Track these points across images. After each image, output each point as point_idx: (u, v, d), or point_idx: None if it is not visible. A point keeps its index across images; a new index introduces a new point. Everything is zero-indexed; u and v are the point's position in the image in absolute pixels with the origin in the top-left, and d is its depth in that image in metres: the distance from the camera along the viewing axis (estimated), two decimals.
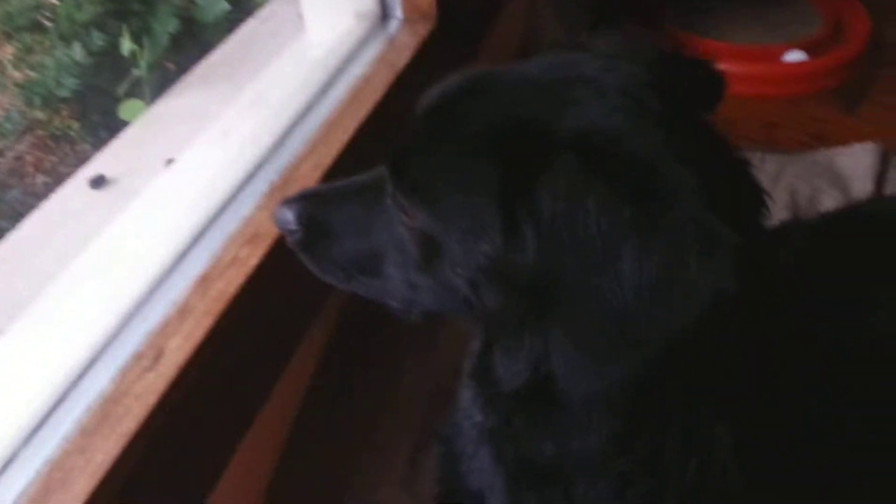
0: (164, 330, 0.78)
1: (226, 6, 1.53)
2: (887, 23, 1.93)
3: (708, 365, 0.62)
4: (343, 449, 1.08)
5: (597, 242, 0.52)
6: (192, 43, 1.63)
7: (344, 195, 0.73)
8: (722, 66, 1.79)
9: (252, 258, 0.84)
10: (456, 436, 0.81)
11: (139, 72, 1.45)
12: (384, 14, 1.26)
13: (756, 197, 0.66)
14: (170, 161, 1.13)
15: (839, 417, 0.71)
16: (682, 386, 0.63)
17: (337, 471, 1.08)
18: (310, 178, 0.95)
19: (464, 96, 0.64)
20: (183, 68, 1.46)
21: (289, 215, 0.71)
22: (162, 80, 1.60)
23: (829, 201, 1.35)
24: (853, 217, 1.03)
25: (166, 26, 1.54)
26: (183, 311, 0.79)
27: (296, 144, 1.01)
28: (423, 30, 1.23)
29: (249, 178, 0.97)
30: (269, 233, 0.87)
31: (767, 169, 1.45)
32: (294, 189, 0.92)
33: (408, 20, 1.25)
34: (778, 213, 1.33)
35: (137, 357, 0.76)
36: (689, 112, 0.64)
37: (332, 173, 0.95)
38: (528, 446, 0.69)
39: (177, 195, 0.99)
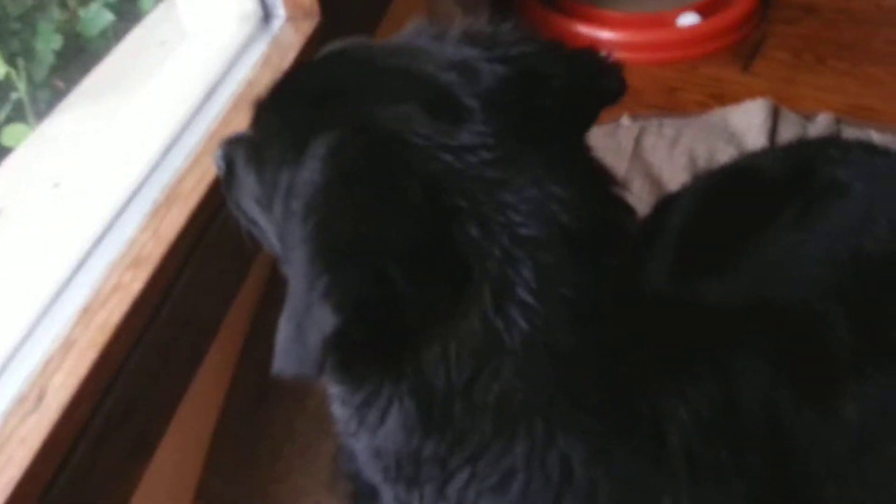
0: (47, 368, 0.76)
1: (110, 17, 1.48)
2: None
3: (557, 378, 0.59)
4: (266, 456, 1.07)
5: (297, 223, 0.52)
6: (79, 58, 1.57)
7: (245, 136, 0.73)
8: (618, 35, 1.81)
9: (135, 283, 0.82)
10: None
11: (19, 94, 1.40)
12: (266, 14, 1.24)
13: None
14: (57, 185, 1.10)
15: None
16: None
17: (262, 481, 1.07)
18: (194, 192, 0.93)
19: (317, 63, 0.67)
20: (72, 85, 1.42)
21: (218, 153, 0.73)
22: (51, 100, 1.55)
23: (726, 159, 1.37)
24: (729, 174, 1.06)
25: (49, 44, 1.49)
26: (65, 346, 0.77)
27: (179, 158, 0.99)
28: (308, 27, 1.21)
29: (133, 196, 0.95)
30: (154, 255, 0.85)
31: (666, 133, 1.47)
32: (176, 207, 0.90)
33: (290, 19, 1.23)
34: (680, 175, 1.38)
35: (19, 400, 0.74)
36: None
37: (216, 187, 0.93)
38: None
39: (61, 220, 0.96)
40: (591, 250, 0.57)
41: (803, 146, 1.10)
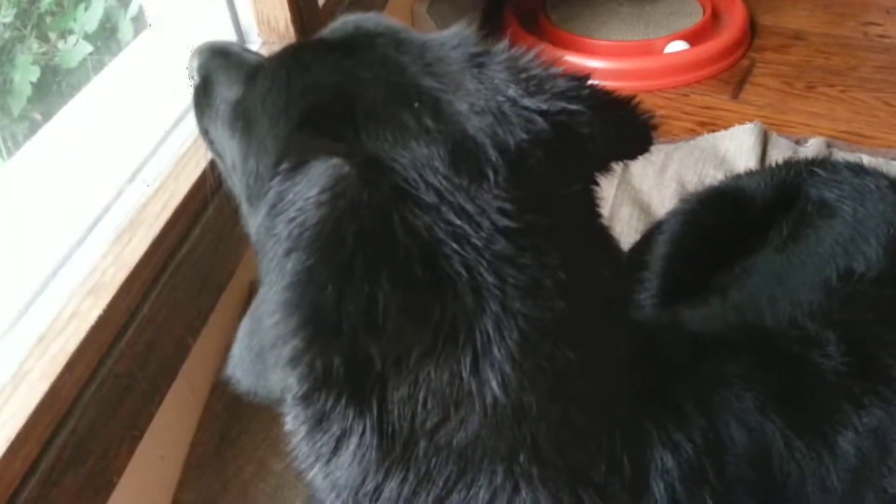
0: None
1: (88, 48, 1.46)
2: (761, 8, 1.97)
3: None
4: (236, 497, 1.03)
5: (280, 252, 0.48)
6: (57, 90, 1.56)
7: (235, 69, 0.67)
8: (607, 63, 1.80)
9: (93, 311, 0.79)
10: None
11: None
12: (241, 39, 1.22)
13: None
14: (26, 211, 1.07)
15: None
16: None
17: None
18: (159, 218, 0.90)
19: (326, 46, 0.61)
20: (49, 116, 1.40)
21: (194, 62, 0.69)
22: (28, 132, 1.52)
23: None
24: (714, 198, 1.03)
25: (27, 76, 1.47)
26: (17, 378, 0.73)
27: (145, 185, 0.96)
28: None
29: (96, 223, 0.92)
30: (114, 282, 0.82)
31: (654, 159, 1.45)
32: (140, 232, 0.87)
33: (266, 43, 1.21)
34: (669, 201, 1.35)
35: None
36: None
37: (182, 212, 0.90)
38: None
39: (23, 246, 0.93)
40: (581, 330, 0.55)
41: (789, 167, 1.07)
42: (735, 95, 1.74)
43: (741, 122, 1.57)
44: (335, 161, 0.49)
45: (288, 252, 0.46)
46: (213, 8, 1.20)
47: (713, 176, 1.39)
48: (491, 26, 1.88)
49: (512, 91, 0.55)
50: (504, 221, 0.51)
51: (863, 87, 1.73)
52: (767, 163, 1.39)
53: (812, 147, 1.44)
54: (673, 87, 1.77)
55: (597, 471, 0.59)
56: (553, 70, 0.58)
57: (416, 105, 0.54)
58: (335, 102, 0.55)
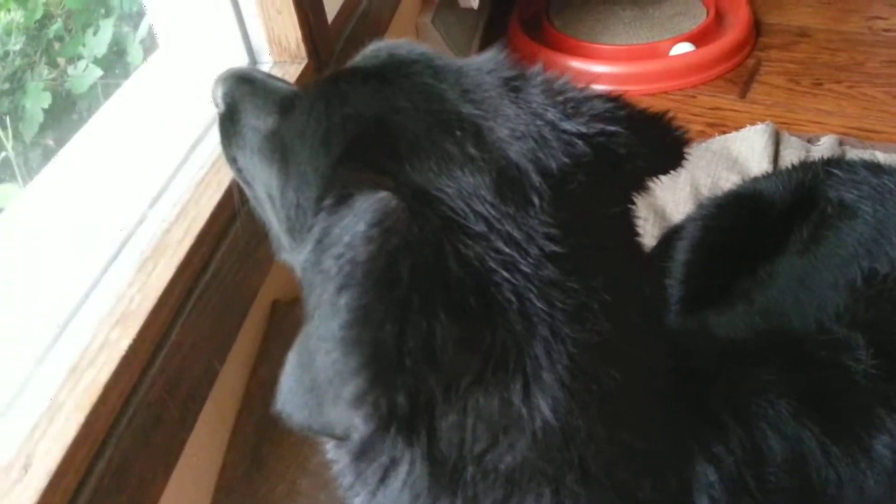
0: (33, 434, 0.72)
1: (98, 72, 1.47)
2: (764, 7, 1.98)
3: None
4: None
5: (329, 291, 0.47)
6: (68, 115, 1.56)
7: (262, 96, 0.66)
8: (612, 67, 1.79)
9: (123, 340, 0.79)
10: None
11: (6, 153, 1.38)
12: (252, 60, 1.22)
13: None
14: (44, 242, 1.08)
15: None
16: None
17: None
18: (182, 243, 0.90)
19: (362, 75, 0.60)
20: (62, 142, 1.41)
21: (219, 90, 0.68)
22: (42, 158, 1.53)
23: (730, 187, 1.35)
24: (733, 202, 1.03)
25: (38, 102, 1.48)
26: (52, 410, 0.74)
27: (166, 209, 0.96)
28: (295, 71, 1.19)
29: (119, 251, 0.92)
30: (141, 310, 0.82)
31: None
32: (164, 259, 0.88)
33: (278, 63, 1.21)
34: (683, 205, 1.35)
35: (5, 469, 0.70)
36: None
37: (205, 237, 0.91)
38: None
39: (46, 277, 0.93)
40: (627, 350, 0.55)
41: (806, 168, 1.07)
42: (743, 95, 1.74)
43: (750, 122, 1.57)
44: (382, 195, 0.48)
45: (340, 289, 0.46)
46: (223, 29, 1.20)
47: (726, 178, 1.39)
48: (495, 34, 1.89)
49: (550, 115, 0.55)
50: (551, 247, 0.51)
51: (871, 82, 1.73)
52: (781, 163, 1.40)
53: (825, 145, 1.44)
54: (680, 89, 1.77)
55: (643, 488, 0.59)
56: (589, 92, 0.58)
57: (459, 133, 0.53)
58: (377, 134, 0.55)
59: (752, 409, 0.70)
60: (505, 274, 0.49)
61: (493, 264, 0.49)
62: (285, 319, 1.09)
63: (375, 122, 0.56)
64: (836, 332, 0.82)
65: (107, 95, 1.46)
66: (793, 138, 1.46)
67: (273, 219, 0.63)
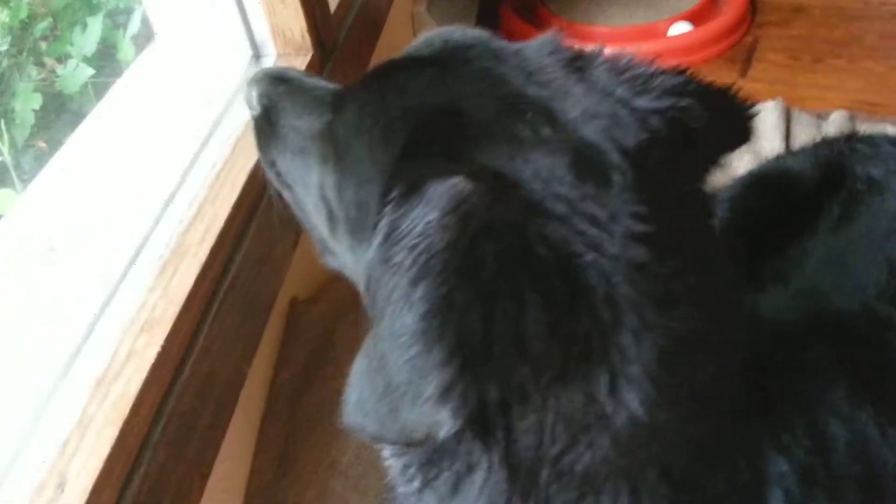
0: (65, 450, 0.69)
1: (89, 71, 1.42)
2: None
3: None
4: None
5: (401, 289, 0.44)
6: (60, 116, 1.51)
7: (301, 95, 0.64)
8: (611, 49, 1.77)
9: (150, 348, 0.75)
10: None
11: (2, 158, 1.33)
12: (256, 54, 1.18)
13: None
14: (52, 249, 1.04)
15: None
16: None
17: None
18: (203, 245, 0.86)
19: (418, 64, 0.58)
20: (55, 144, 1.36)
21: (253, 92, 0.66)
22: (34, 161, 1.48)
23: (743, 166, 1.33)
24: (759, 181, 1.02)
25: (29, 104, 1.43)
26: (82, 424, 0.70)
27: (181, 209, 0.92)
28: (300, 63, 1.16)
29: (136, 255, 0.89)
30: (166, 316, 0.78)
31: None
32: (185, 262, 0.84)
33: (282, 55, 1.17)
34: None
35: (39, 488, 0.66)
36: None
37: (225, 236, 0.87)
38: None
39: (61, 286, 0.89)
40: (712, 337, 0.53)
41: (829, 144, 1.06)
42: (743, 73, 1.73)
43: (753, 98, 1.55)
44: (455, 180, 0.46)
45: (415, 281, 0.43)
46: (225, 21, 1.16)
47: (739, 156, 1.37)
48: (489, 19, 1.86)
49: (620, 92, 0.53)
50: (638, 226, 0.48)
51: (870, 56, 1.72)
52: (792, 140, 1.38)
53: (834, 121, 1.42)
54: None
55: (717, 483, 0.57)
56: (655, 67, 0.56)
57: (529, 116, 0.51)
58: (442, 121, 0.52)
59: (809, 395, 0.68)
60: (590, 256, 0.47)
61: (577, 246, 0.47)
62: (304, 318, 1.06)
63: (439, 110, 0.53)
64: (879, 310, 0.80)
65: (99, 95, 1.42)
66: (803, 115, 1.45)
67: (320, 221, 0.60)
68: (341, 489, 0.94)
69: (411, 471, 0.56)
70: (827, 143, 1.06)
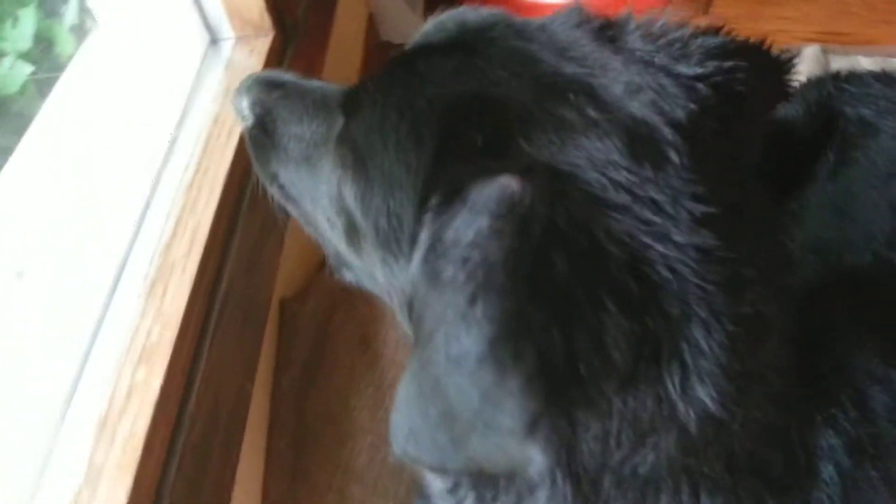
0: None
1: (27, 68, 1.33)
2: None
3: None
4: None
5: (458, 307, 0.39)
6: (4, 119, 1.42)
7: (300, 100, 0.60)
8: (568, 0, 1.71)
9: (153, 379, 0.71)
10: None
11: None
12: (213, 38, 1.11)
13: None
14: (20, 274, 0.97)
15: None
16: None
17: None
18: (189, 259, 0.81)
19: (438, 51, 0.53)
20: (3, 151, 1.27)
21: (244, 101, 0.61)
22: None
23: None
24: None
25: None
26: (92, 474, 0.66)
27: (159, 221, 0.86)
28: (262, 45, 1.09)
29: (119, 275, 0.83)
30: (163, 342, 0.74)
31: None
32: (174, 279, 0.79)
33: (241, 38, 1.10)
34: None
35: None
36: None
37: (212, 246, 0.82)
38: None
39: (36, 318, 0.83)
40: (778, 321, 0.50)
41: (816, 86, 1.03)
42: (706, 10, 1.70)
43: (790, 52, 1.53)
44: (502, 180, 0.41)
45: (474, 298, 0.38)
46: (174, 4, 1.08)
47: None
48: None
49: (659, 60, 0.49)
50: (701, 208, 0.44)
51: None
52: None
53: (807, 56, 1.40)
54: (641, 12, 1.71)
55: (776, 466, 0.55)
56: (691, 29, 0.52)
57: (572, 97, 0.47)
58: (477, 111, 0.47)
59: (844, 361, 0.66)
60: (659, 248, 0.43)
61: (645, 238, 0.43)
62: (297, 317, 1.01)
63: (473, 99, 0.48)
64: (892, 259, 0.79)
65: (43, 93, 1.32)
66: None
67: (335, 235, 0.56)
68: (360, 494, 0.91)
69: (461, 491, 0.53)
70: (813, 85, 1.04)
